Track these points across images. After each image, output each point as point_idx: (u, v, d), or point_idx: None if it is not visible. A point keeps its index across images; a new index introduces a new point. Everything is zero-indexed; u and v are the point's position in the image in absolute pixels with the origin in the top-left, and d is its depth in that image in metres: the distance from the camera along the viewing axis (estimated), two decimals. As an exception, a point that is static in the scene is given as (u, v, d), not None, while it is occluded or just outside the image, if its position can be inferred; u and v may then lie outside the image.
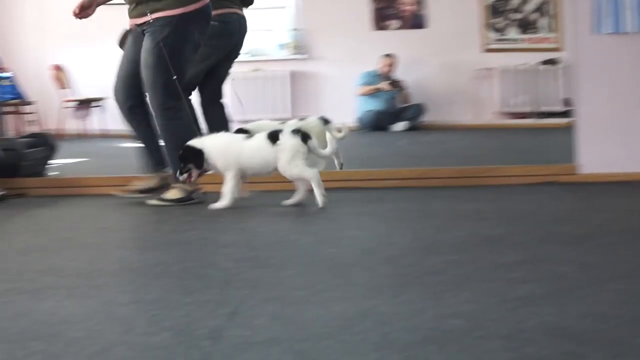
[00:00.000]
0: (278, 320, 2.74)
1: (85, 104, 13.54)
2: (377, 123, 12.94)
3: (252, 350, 2.44)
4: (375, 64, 13.41)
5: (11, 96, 11.69)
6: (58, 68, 13.40)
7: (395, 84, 13.29)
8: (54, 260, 3.97)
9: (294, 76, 14.05)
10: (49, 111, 12.87)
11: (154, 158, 5.79)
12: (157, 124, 5.59)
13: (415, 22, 13.97)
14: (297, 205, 5.27)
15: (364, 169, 6.69)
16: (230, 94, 7.70)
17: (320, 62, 14.00)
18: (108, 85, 13.38)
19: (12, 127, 12.17)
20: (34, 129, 11.54)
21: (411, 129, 12.88)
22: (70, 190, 6.44)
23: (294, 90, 14.08)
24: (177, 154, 5.33)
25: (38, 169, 6.95)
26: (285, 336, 2.58)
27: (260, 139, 5.26)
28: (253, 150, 5.25)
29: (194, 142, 5.28)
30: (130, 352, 2.45)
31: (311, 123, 7.08)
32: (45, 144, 7.16)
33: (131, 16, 5.61)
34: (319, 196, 5.15)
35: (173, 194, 5.56)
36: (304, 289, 3.16)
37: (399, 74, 13.48)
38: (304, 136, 5.21)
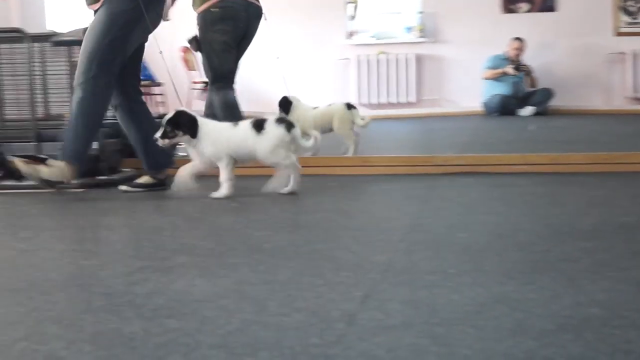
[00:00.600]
0: (410, 304, 2.72)
1: (212, 86, 13.70)
2: (504, 107, 12.78)
3: (387, 334, 2.42)
4: (503, 48, 13.22)
5: (142, 77, 11.91)
6: (187, 50, 13.60)
7: (520, 67, 13.08)
8: (185, 239, 4.03)
9: (420, 60, 13.96)
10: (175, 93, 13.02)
11: (148, 161, 5.79)
12: (75, 96, 5.47)
13: (546, 4, 13.71)
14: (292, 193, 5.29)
15: (492, 154, 6.59)
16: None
17: (447, 46, 13.88)
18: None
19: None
20: (163, 110, 11.74)
21: (538, 113, 12.68)
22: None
23: (419, 74, 13.99)
24: (87, 131, 5.42)
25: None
26: (419, 320, 2.56)
27: (245, 127, 5.26)
28: (239, 138, 5.24)
29: (186, 110, 5.33)
30: (265, 332, 2.46)
31: (336, 108, 7.24)
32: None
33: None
34: (295, 183, 5.26)
35: (145, 179, 5.69)
36: (435, 274, 3.13)
37: (527, 57, 13.27)
38: (288, 125, 5.25)
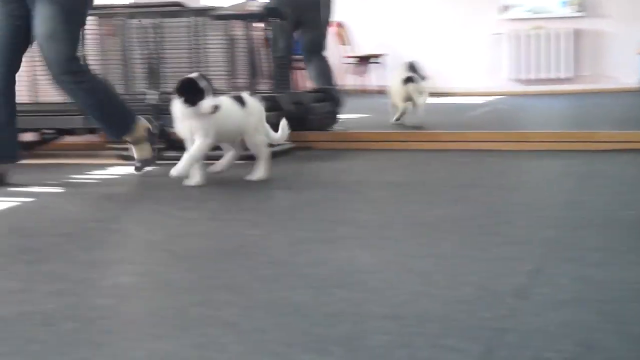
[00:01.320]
0: (580, 281, 2.67)
1: (364, 60, 13.75)
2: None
3: (559, 309, 2.38)
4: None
5: (295, 53, 12.01)
6: (339, 25, 13.65)
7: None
8: (346, 211, 4.06)
9: (578, 34, 13.64)
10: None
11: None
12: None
13: None
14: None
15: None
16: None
17: (605, 20, 13.50)
18: (387, 42, 13.52)
19: (295, 81, 12.51)
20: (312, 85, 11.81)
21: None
22: (355, 145, 6.57)
23: (577, 49, 13.67)
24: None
25: (324, 123, 7.12)
26: (589, 297, 2.51)
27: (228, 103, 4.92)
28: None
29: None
30: (433, 305, 2.46)
31: (395, 81, 7.58)
32: (331, 98, 7.32)
33: None
34: (265, 170, 5.05)
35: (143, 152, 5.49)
36: (603, 250, 3.06)
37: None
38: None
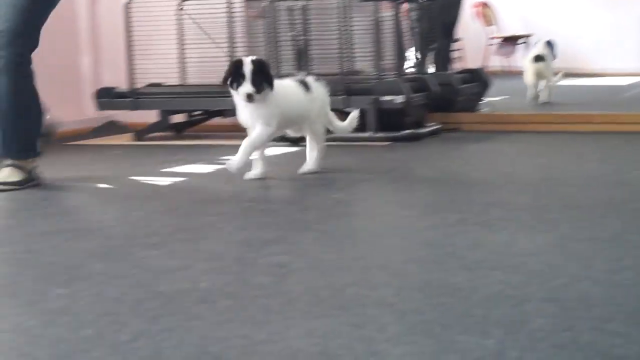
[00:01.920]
0: None
1: (510, 41, 13.52)
2: None
3: None
4: None
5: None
6: (484, 5, 13.47)
7: None
8: (499, 193, 3.99)
9: None
10: (472, 48, 12.95)
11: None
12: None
13: None
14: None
15: None
16: None
17: None
18: (534, 22, 13.25)
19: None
20: (459, 65, 11.69)
21: None
22: (502, 127, 6.46)
23: None
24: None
25: (471, 105, 7.03)
26: None
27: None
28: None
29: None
30: (594, 288, 2.39)
31: (527, 59, 7.50)
32: (479, 80, 7.22)
33: None
34: (318, 162, 4.67)
35: (9, 174, 4.42)
36: None
37: None
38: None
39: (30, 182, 4.39)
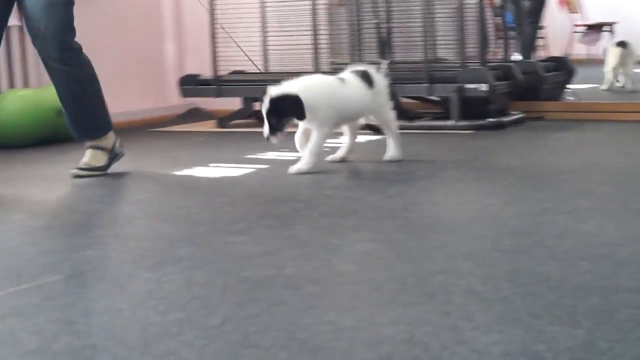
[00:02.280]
0: None
1: (594, 29, 13.30)
2: None
3: None
4: None
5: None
6: (571, -9, 13.28)
7: None
8: (584, 183, 3.93)
9: None
10: (556, 36, 12.78)
11: None
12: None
13: None
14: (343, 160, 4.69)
15: None
16: None
17: None
18: (620, 10, 13.01)
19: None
20: (543, 53, 11.55)
21: None
22: (587, 115, 6.38)
23: None
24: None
25: (555, 93, 6.94)
26: None
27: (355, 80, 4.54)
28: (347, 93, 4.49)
29: (284, 89, 4.32)
30: (687, 280, 2.34)
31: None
32: (563, 68, 7.13)
33: None
34: (397, 151, 4.68)
35: (92, 157, 4.56)
36: None
37: None
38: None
39: (113, 160, 4.57)
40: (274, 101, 4.24)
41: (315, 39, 6.51)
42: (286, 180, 4.21)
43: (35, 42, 4.32)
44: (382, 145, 4.78)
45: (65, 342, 2.01)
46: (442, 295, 2.27)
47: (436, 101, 6.50)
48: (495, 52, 7.40)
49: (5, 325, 2.16)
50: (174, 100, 7.67)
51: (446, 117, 6.16)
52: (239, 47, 6.60)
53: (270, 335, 1.99)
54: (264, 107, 4.26)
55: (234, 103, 6.92)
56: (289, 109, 4.25)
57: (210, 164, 4.81)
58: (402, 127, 5.89)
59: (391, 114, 4.68)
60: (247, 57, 6.65)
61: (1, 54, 6.25)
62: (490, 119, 6.03)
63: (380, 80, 4.62)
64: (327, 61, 6.79)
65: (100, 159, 4.51)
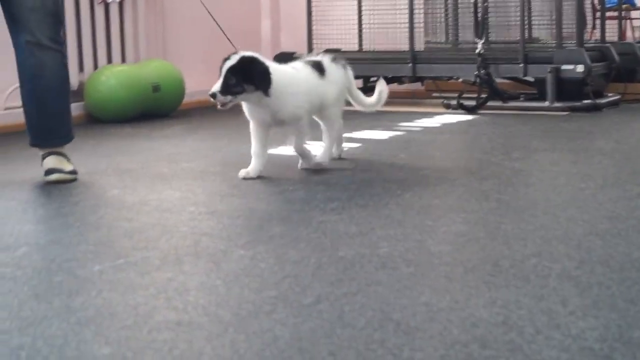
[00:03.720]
0: None
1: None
2: None
3: None
4: None
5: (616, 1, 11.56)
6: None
7: None
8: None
9: None
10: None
11: None
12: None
13: None
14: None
15: None
16: None
17: None
18: None
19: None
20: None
21: None
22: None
23: None
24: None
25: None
26: None
27: (307, 71, 3.97)
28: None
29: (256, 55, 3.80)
30: None
31: None
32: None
33: None
34: (329, 152, 4.07)
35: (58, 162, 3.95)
36: None
37: None
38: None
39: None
40: (244, 60, 3.69)
41: (411, 18, 6.47)
42: (379, 160, 4.21)
43: (28, 17, 3.77)
44: (475, 124, 4.73)
45: (162, 317, 2.05)
46: (536, 278, 2.25)
47: (531, 82, 6.42)
48: (592, 33, 7.27)
49: (102, 299, 2.20)
50: (267, 77, 7.71)
51: (541, 98, 6.08)
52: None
53: (365, 315, 2.00)
54: (228, 63, 3.68)
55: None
56: (256, 75, 3.68)
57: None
58: (496, 108, 5.87)
59: (339, 113, 4.13)
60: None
61: (100, 30, 6.35)
62: (586, 101, 5.93)
63: (335, 72, 4.06)
64: (422, 40, 6.76)
65: (68, 164, 3.92)
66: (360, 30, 6.99)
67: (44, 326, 2.01)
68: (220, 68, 3.68)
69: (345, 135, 4.94)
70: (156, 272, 2.46)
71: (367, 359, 1.75)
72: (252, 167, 3.81)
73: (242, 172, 3.81)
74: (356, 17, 6.94)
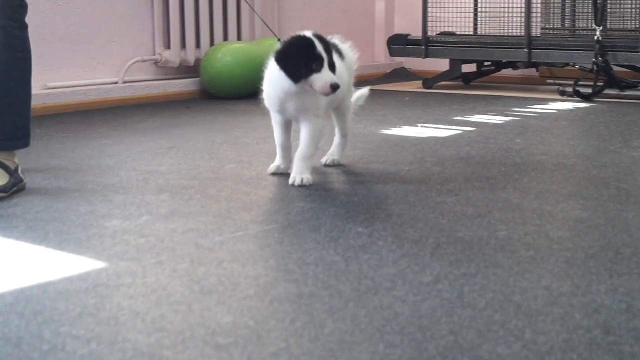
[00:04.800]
0: None
1: None
2: None
3: None
4: None
5: None
6: None
7: None
8: None
9: None
10: None
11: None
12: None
13: None
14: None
15: None
16: None
17: None
18: None
19: None
20: None
21: None
22: None
23: None
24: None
25: None
26: None
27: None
28: None
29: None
30: None
31: None
32: None
33: None
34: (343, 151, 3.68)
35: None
36: None
37: None
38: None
39: (16, 185, 3.22)
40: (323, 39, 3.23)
41: (528, 3, 6.38)
42: (495, 144, 4.18)
43: None
44: (591, 112, 4.65)
45: (283, 289, 2.08)
46: (661, 268, 2.21)
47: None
48: None
49: (223, 269, 2.24)
50: (381, 58, 7.72)
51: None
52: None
53: (485, 296, 2.00)
54: (322, 49, 3.16)
55: (439, 64, 6.90)
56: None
57: (418, 124, 4.82)
58: (613, 97, 5.76)
59: (350, 104, 3.68)
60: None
61: (217, 8, 6.43)
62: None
63: (351, 55, 3.62)
64: (539, 26, 6.67)
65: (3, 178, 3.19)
66: (475, 14, 6.93)
67: (169, 292, 2.06)
68: (316, 54, 3.15)
69: (460, 118, 4.93)
70: (275, 245, 2.50)
71: (488, 339, 1.75)
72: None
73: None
74: (472, 0, 6.89)
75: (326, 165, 3.66)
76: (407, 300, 1.99)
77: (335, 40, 3.50)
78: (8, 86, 3.21)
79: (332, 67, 3.17)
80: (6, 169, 3.20)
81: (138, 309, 1.95)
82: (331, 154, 3.70)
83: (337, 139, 3.70)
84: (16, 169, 3.24)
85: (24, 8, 3.23)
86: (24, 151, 3.36)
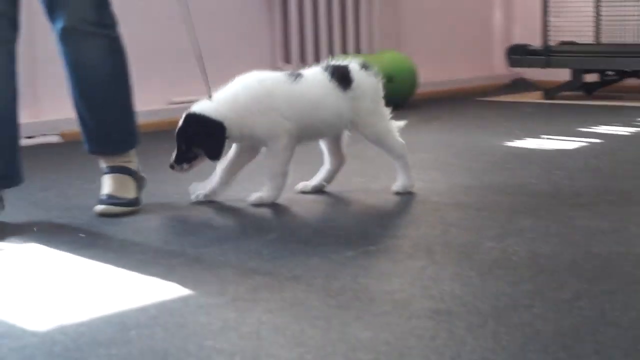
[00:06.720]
0: None
1: None
2: None
3: None
4: None
5: None
6: None
7: None
8: None
9: None
10: None
11: None
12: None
13: None
14: (318, 189, 3.44)
15: None
16: None
17: None
18: None
19: None
20: None
21: None
22: None
23: None
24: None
25: None
26: None
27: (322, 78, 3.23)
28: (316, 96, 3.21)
29: (201, 108, 3.16)
30: None
31: None
32: None
33: None
34: (407, 179, 3.35)
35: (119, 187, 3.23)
36: None
37: None
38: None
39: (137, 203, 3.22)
40: (189, 121, 3.15)
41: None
42: (624, 156, 4.10)
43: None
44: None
45: (420, 305, 2.08)
46: None
47: None
48: None
49: (358, 284, 2.25)
50: (499, 69, 7.66)
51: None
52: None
53: (628, 314, 1.96)
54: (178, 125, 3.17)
55: (559, 74, 6.80)
56: (201, 140, 3.13)
57: (542, 136, 4.76)
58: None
59: (389, 129, 3.37)
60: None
61: (336, 21, 6.46)
62: None
63: (365, 79, 3.32)
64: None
65: (130, 189, 3.24)
66: (597, 22, 6.81)
67: (306, 307, 2.08)
68: None
69: (585, 129, 4.85)
70: (408, 260, 2.49)
71: (636, 359, 1.71)
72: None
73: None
74: (592, 8, 6.77)
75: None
76: (547, 317, 1.96)
77: (352, 64, 3.30)
78: (117, 89, 3.24)
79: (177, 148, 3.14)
80: (131, 174, 3.24)
81: (277, 323, 1.97)
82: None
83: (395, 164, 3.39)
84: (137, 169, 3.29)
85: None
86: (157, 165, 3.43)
